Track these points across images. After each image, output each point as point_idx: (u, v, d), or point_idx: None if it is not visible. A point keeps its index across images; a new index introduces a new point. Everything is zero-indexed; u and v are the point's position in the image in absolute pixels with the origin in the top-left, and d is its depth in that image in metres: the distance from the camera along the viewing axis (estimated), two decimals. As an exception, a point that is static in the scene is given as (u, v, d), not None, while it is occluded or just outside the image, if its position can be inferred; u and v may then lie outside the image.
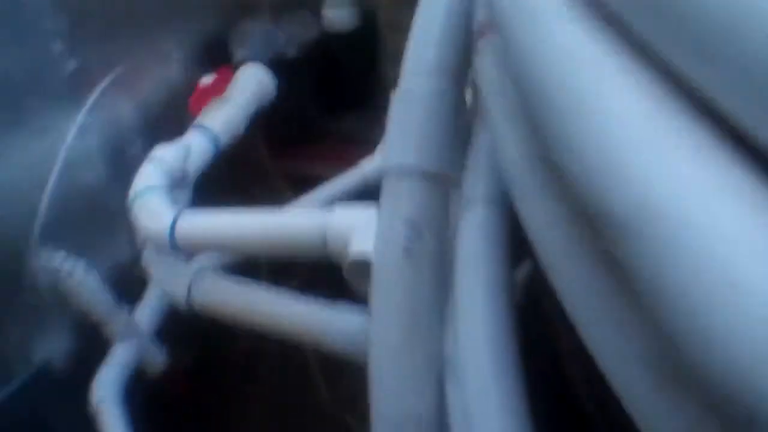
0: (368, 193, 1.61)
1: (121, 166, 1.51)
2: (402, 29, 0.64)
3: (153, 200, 1.24)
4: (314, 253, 1.05)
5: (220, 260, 1.42)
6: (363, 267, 0.95)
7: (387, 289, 0.56)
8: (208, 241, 1.18)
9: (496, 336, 0.50)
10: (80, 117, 1.36)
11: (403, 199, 0.57)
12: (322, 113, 1.91)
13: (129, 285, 1.52)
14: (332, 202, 1.58)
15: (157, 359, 1.56)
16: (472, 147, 0.62)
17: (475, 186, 0.58)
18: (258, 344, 1.69)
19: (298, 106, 1.75)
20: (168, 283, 1.31)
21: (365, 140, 1.83)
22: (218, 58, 1.72)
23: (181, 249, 1.20)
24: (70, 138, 1.34)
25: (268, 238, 1.10)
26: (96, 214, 1.49)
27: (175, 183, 1.38)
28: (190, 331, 1.64)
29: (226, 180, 1.72)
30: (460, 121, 0.60)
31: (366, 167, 1.62)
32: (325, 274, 1.12)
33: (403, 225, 0.55)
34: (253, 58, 1.65)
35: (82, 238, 1.46)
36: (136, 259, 1.48)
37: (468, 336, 0.50)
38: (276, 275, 1.65)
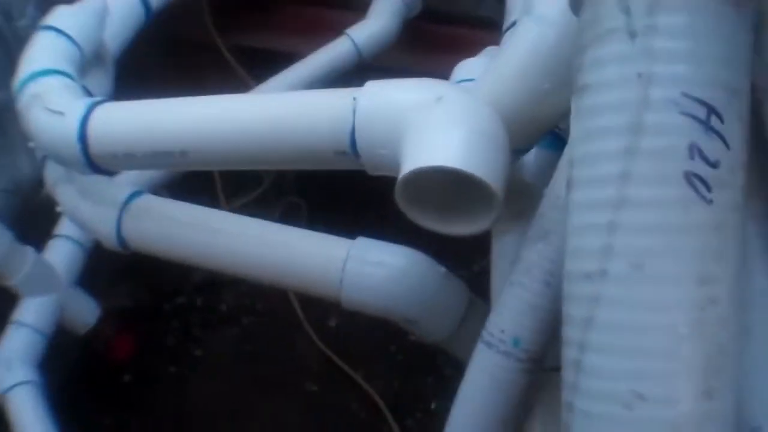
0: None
1: (5, 44, 1.03)
2: None
3: (51, 91, 0.78)
4: (333, 157, 0.62)
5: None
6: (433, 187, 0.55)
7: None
8: (144, 149, 0.71)
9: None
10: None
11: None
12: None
13: (33, 214, 1.08)
14: (312, 87, 1.14)
15: (86, 314, 1.12)
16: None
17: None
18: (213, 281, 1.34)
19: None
20: (87, 215, 0.86)
21: (341, 1, 1.38)
22: None
23: (99, 165, 0.74)
24: None
25: (249, 133, 0.65)
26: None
27: (86, 64, 0.91)
28: (123, 270, 1.22)
29: (160, 62, 1.26)
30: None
31: (354, 35, 1.17)
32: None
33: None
34: None
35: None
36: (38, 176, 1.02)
37: None
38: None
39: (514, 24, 0.89)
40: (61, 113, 0.76)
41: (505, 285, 0.61)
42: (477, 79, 0.70)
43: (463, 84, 0.77)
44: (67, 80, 0.83)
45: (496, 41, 1.21)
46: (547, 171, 0.72)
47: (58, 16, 0.91)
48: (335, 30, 1.38)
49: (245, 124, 0.65)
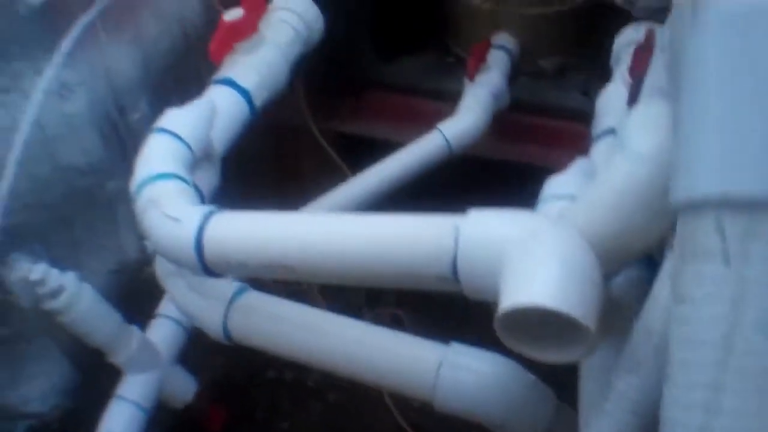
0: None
1: (119, 136, 1.10)
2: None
3: (167, 195, 0.85)
4: (435, 281, 0.67)
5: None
6: (529, 318, 0.58)
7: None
8: (256, 262, 0.77)
9: None
10: (52, 67, 0.95)
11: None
12: (377, 56, 1.50)
13: (137, 291, 1.16)
14: (404, 179, 1.19)
15: (184, 390, 1.18)
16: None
17: None
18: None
19: (349, 47, 1.33)
20: (195, 309, 0.92)
21: (431, 91, 1.43)
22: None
23: (212, 270, 0.80)
24: (38, 96, 0.93)
25: (356, 254, 0.70)
26: (87, 203, 1.09)
27: (196, 163, 0.97)
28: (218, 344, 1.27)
29: (258, 144, 1.31)
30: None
31: (446, 130, 1.22)
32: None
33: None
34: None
35: (68, 237, 1.07)
36: (144, 257, 1.08)
37: None
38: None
39: (604, 133, 0.94)
40: (178, 220, 0.82)
41: (595, 412, 0.64)
42: (571, 207, 0.73)
43: (556, 204, 0.81)
44: (182, 184, 0.89)
45: (579, 132, 1.25)
46: (636, 288, 0.75)
47: (170, 119, 0.98)
48: (423, 117, 1.44)
49: (350, 246, 0.70)
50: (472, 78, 1.26)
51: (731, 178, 0.39)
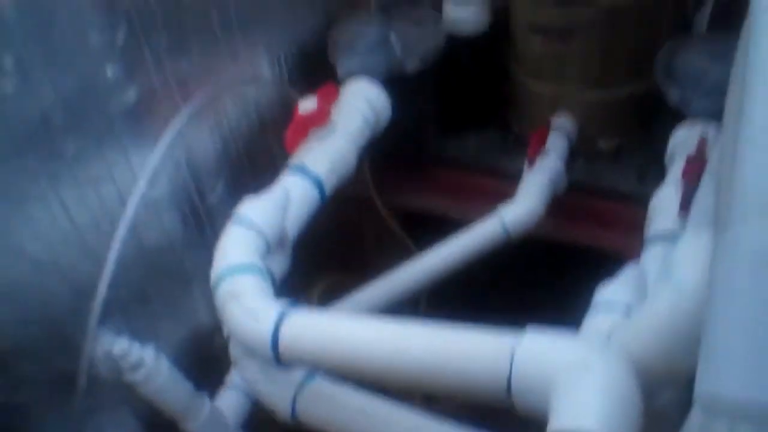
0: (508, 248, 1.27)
1: (197, 217, 1.18)
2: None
3: (245, 290, 0.92)
4: (490, 397, 0.73)
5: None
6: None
7: None
8: (326, 363, 0.85)
9: None
10: (152, 162, 1.03)
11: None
12: (441, 133, 1.57)
13: (207, 357, 1.23)
14: (464, 261, 1.25)
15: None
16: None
17: None
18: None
19: (414, 126, 1.40)
20: (265, 390, 0.99)
21: (491, 169, 1.49)
22: (317, 69, 1.37)
23: (285, 363, 0.87)
24: (140, 190, 1.01)
25: (416, 366, 0.77)
26: (166, 278, 1.17)
27: (271, 249, 1.04)
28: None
29: (323, 214, 1.38)
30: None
31: (504, 214, 1.27)
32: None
33: None
34: (364, 72, 1.30)
35: (147, 310, 1.14)
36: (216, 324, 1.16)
37: None
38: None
39: (655, 238, 0.98)
40: (256, 317, 0.89)
41: None
42: (619, 328, 0.79)
43: (606, 317, 0.86)
44: (259, 277, 0.96)
45: (633, 214, 1.30)
46: (678, 408, 0.80)
47: (248, 209, 1.05)
48: (483, 194, 1.49)
49: (414, 359, 0.76)
50: (532, 164, 1.31)
51: (752, 384, 0.41)
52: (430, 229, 1.54)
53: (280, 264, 1.10)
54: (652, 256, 0.97)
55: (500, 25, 1.47)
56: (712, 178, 0.91)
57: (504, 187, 1.42)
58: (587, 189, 1.42)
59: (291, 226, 1.10)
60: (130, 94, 1.02)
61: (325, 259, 1.41)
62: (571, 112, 1.42)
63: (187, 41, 1.10)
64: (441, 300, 1.49)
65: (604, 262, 1.43)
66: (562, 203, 1.36)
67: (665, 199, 1.04)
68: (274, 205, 1.07)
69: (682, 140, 1.12)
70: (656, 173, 1.22)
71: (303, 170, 1.15)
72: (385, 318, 0.84)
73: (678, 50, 1.24)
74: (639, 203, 1.35)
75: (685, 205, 0.96)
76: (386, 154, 1.39)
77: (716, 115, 1.09)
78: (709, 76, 1.16)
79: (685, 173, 1.00)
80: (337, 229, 1.38)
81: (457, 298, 1.42)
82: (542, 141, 1.31)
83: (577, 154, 1.43)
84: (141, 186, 1.01)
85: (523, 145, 1.50)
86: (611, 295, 0.89)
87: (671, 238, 0.98)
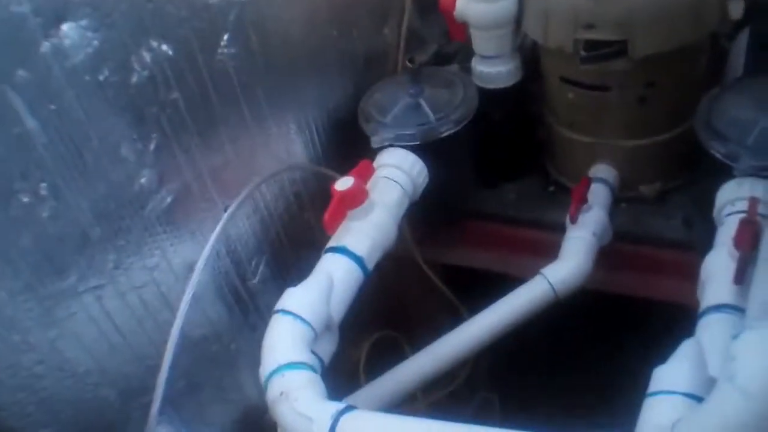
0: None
1: (240, 301, 1.18)
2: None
3: (297, 389, 0.91)
4: None
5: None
6: None
7: None
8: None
9: None
10: (197, 271, 1.03)
11: None
12: (479, 186, 1.55)
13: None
14: (513, 325, 1.23)
15: None
16: None
17: None
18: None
19: (452, 184, 1.38)
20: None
21: (532, 221, 1.47)
22: (350, 140, 1.37)
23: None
24: (187, 300, 1.00)
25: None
26: (213, 366, 1.17)
27: (318, 336, 1.03)
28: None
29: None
30: None
31: (551, 274, 1.25)
32: None
33: None
34: (398, 141, 1.29)
35: (196, 398, 1.14)
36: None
37: None
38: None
39: (710, 310, 0.96)
40: (309, 419, 0.88)
41: None
42: (681, 425, 0.77)
43: (667, 404, 0.84)
44: (310, 374, 0.95)
45: (681, 261, 1.27)
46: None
47: (292, 301, 1.03)
48: (525, 247, 1.47)
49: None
50: (574, 221, 1.29)
51: None
52: (473, 282, 1.52)
53: (327, 347, 1.09)
54: (708, 334, 0.94)
55: (532, 72, 1.44)
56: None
57: (546, 237, 1.40)
58: (632, 237, 1.39)
59: (336, 311, 1.09)
60: (166, 197, 1.01)
61: (370, 317, 1.40)
62: (610, 158, 1.40)
63: (218, 136, 1.09)
64: (496, 356, 1.47)
65: (655, 311, 1.41)
66: (606, 253, 1.33)
67: (718, 267, 1.01)
68: (317, 294, 1.06)
69: (730, 197, 1.09)
70: (703, 216, 1.18)
71: (344, 251, 1.14)
72: (441, 422, 0.83)
73: (717, 101, 1.21)
74: (687, 249, 1.32)
75: (740, 279, 0.93)
76: (425, 210, 1.37)
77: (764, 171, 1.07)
78: (754, 126, 1.13)
79: (738, 242, 0.97)
80: (379, 286, 1.36)
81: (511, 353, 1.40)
82: (582, 197, 1.29)
83: (618, 200, 1.41)
84: (187, 297, 1.00)
85: (562, 192, 1.48)
86: (670, 380, 0.87)
87: (728, 311, 0.95)
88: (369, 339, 1.59)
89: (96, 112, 0.88)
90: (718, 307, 0.96)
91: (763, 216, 1.02)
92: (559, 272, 1.25)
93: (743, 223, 0.99)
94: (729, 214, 1.08)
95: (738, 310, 0.94)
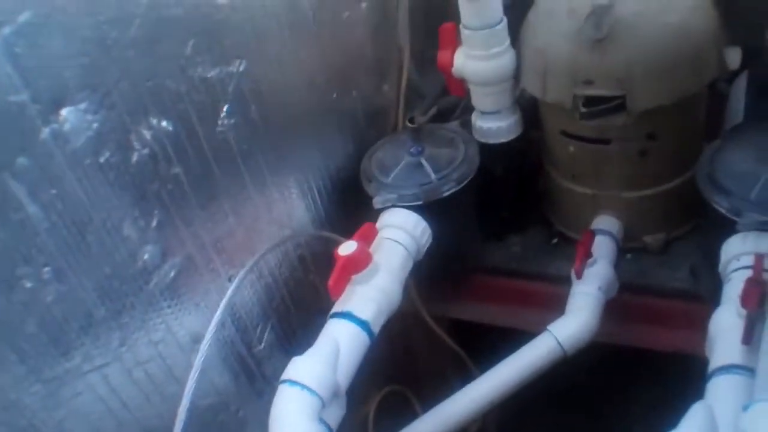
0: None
1: (247, 368, 1.17)
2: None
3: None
4: None
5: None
6: None
7: None
8: None
9: None
10: (210, 334, 1.02)
11: None
12: (483, 240, 1.54)
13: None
14: (522, 382, 1.22)
15: None
16: None
17: None
18: None
19: (455, 240, 1.38)
20: None
21: (537, 274, 1.46)
22: (352, 200, 1.37)
23: None
24: (194, 378, 1.00)
25: None
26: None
27: (326, 404, 1.02)
28: None
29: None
30: None
31: (558, 331, 1.24)
32: None
33: None
34: (400, 202, 1.29)
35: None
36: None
37: None
38: None
39: (718, 371, 0.95)
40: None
41: None
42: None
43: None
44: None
45: (687, 311, 1.26)
46: None
47: (298, 371, 1.02)
48: (530, 300, 1.47)
49: None
50: (579, 276, 1.28)
51: None
52: (480, 335, 1.52)
53: (336, 413, 1.08)
54: (719, 397, 0.93)
55: (532, 119, 1.45)
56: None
57: (552, 290, 1.40)
58: (638, 288, 1.38)
59: (343, 377, 1.08)
60: (170, 271, 1.01)
61: (377, 372, 1.39)
62: (613, 209, 1.40)
63: (220, 207, 1.09)
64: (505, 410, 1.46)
65: (664, 361, 1.40)
66: (613, 305, 1.33)
67: (725, 326, 1.00)
68: (324, 362, 1.06)
69: (735, 253, 1.08)
70: (709, 264, 1.18)
71: (350, 317, 1.13)
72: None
73: (718, 153, 1.21)
74: (694, 299, 1.32)
75: (748, 339, 0.93)
76: (429, 266, 1.36)
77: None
78: (757, 180, 1.12)
79: (745, 302, 0.96)
80: (386, 341, 1.36)
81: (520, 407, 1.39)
82: (587, 251, 1.28)
83: (623, 251, 1.40)
84: (194, 376, 1.00)
85: (566, 243, 1.47)
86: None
87: (737, 371, 0.94)
88: (377, 394, 1.58)
89: (97, 194, 0.88)
90: (727, 368, 0.95)
91: (770, 272, 1.01)
92: (567, 329, 1.25)
93: (749, 283, 0.98)
94: (735, 270, 1.07)
95: (747, 370, 0.93)
